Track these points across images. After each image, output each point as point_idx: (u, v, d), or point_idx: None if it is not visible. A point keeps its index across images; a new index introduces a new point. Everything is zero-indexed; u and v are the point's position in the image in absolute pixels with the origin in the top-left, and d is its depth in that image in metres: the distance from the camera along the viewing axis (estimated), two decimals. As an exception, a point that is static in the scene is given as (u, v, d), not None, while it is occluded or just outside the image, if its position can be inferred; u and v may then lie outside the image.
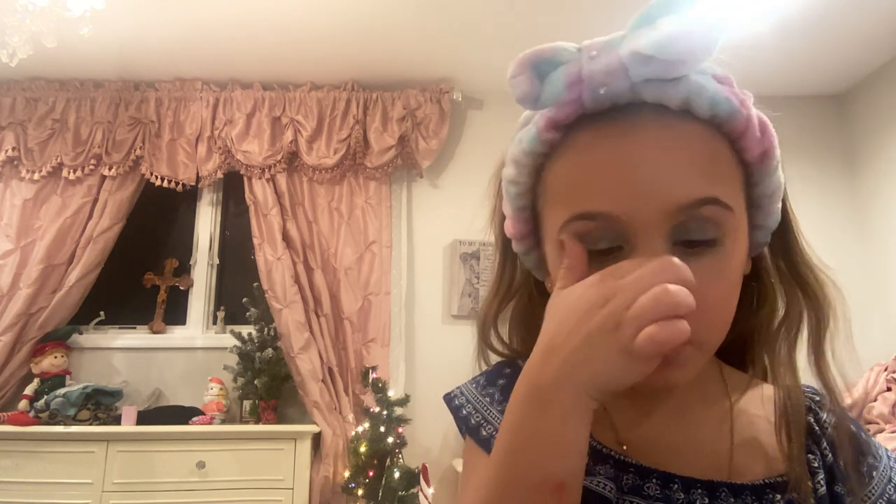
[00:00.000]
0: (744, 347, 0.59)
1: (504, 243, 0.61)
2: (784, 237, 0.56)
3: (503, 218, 0.60)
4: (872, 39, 2.91)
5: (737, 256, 0.49)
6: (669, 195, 0.46)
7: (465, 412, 0.60)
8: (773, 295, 0.56)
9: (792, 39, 2.84)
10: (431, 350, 3.06)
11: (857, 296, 3.33)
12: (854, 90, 3.35)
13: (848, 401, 2.40)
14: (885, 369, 2.66)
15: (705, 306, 0.45)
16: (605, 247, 0.47)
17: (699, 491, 0.50)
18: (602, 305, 0.42)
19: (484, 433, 0.57)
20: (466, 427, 0.59)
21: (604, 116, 0.48)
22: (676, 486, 0.51)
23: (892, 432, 2.40)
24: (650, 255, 0.45)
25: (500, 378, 0.61)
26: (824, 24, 2.76)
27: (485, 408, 0.59)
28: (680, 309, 0.40)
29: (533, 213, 0.55)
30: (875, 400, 2.58)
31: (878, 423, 2.50)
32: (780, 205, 0.54)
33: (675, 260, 0.42)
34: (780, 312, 0.56)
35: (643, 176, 0.46)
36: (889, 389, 2.58)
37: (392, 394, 2.73)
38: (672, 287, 0.40)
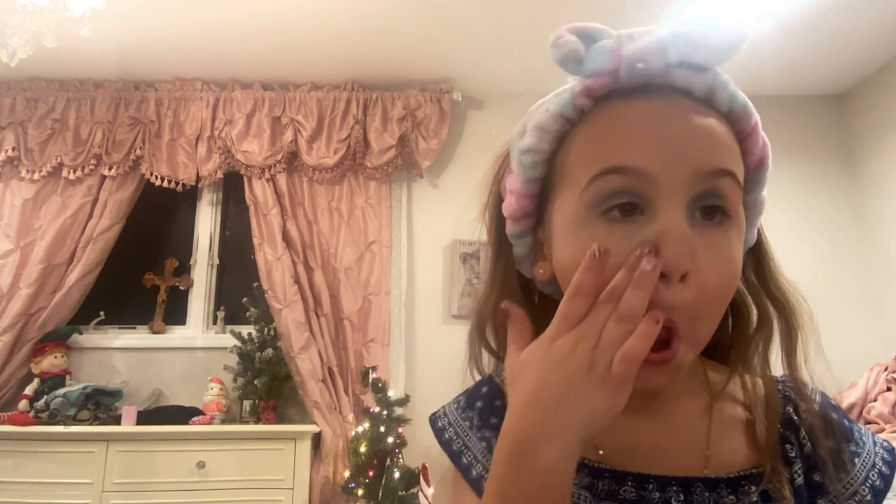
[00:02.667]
0: (723, 355, 0.61)
1: (498, 232, 0.62)
2: (757, 253, 0.59)
3: (498, 205, 0.60)
4: (872, 39, 2.91)
5: (740, 244, 0.51)
6: (699, 158, 0.48)
7: (447, 436, 0.60)
8: (747, 308, 0.59)
9: (792, 40, 2.84)
10: (431, 350, 3.06)
11: (857, 295, 3.32)
12: (854, 90, 3.35)
13: (848, 401, 2.39)
14: (885, 369, 2.66)
15: (709, 286, 0.46)
16: (626, 201, 0.48)
17: (674, 488, 0.51)
18: (570, 352, 0.44)
19: (465, 461, 0.57)
20: (449, 452, 0.59)
21: (635, 92, 0.51)
22: (652, 485, 0.51)
23: (893, 432, 2.40)
24: (673, 222, 0.46)
25: (478, 400, 0.61)
26: (824, 24, 2.76)
27: (465, 433, 0.59)
28: (637, 315, 0.43)
29: (541, 190, 0.56)
30: (875, 400, 2.58)
31: (878, 423, 2.50)
32: (759, 221, 0.57)
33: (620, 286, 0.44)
34: (754, 323, 0.58)
35: (676, 137, 0.48)
36: (889, 389, 2.58)
37: (392, 394, 2.73)
38: (622, 304, 0.43)
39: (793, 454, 0.53)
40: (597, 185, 0.49)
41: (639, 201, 0.48)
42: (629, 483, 0.52)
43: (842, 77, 3.27)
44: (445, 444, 0.60)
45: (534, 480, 0.43)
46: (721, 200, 0.48)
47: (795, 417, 0.55)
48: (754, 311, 0.58)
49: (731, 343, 0.60)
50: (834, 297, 2.92)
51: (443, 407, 0.64)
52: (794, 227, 3.08)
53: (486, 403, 0.60)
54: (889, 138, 3.10)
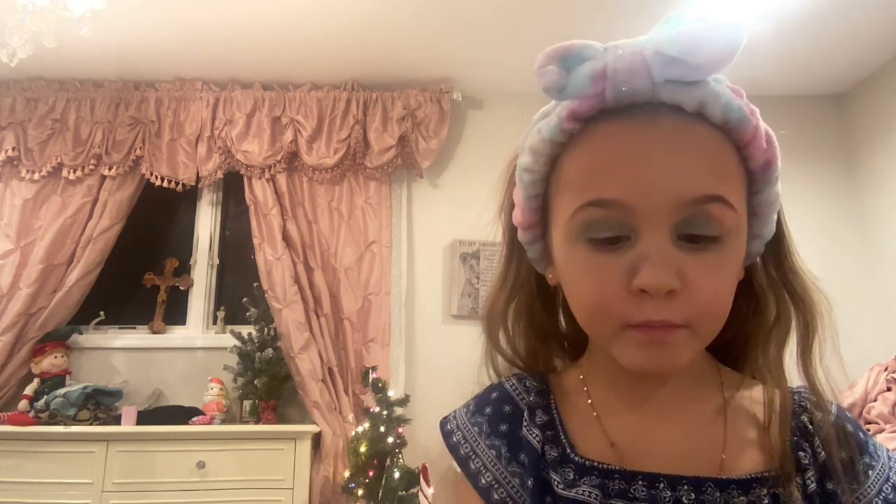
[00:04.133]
0: (739, 349, 0.61)
1: (511, 235, 0.63)
2: (777, 247, 0.58)
3: (512, 208, 0.61)
4: (872, 39, 2.91)
5: (736, 255, 0.52)
6: (680, 188, 0.48)
7: (454, 440, 0.60)
8: (766, 301, 0.58)
9: (792, 39, 2.84)
10: (431, 350, 3.06)
11: (857, 295, 3.30)
12: (854, 90, 3.35)
13: (848, 401, 2.40)
14: (885, 369, 2.66)
15: (702, 297, 0.48)
16: (611, 235, 0.49)
17: (685, 487, 0.51)
18: None
19: (473, 467, 0.57)
20: (456, 457, 0.59)
21: (623, 112, 0.51)
22: (662, 484, 0.52)
23: (893, 432, 2.40)
24: (654, 246, 0.48)
25: (487, 405, 0.61)
26: (824, 24, 2.76)
27: (473, 439, 0.59)
28: None
29: (543, 203, 0.57)
30: (875, 400, 2.58)
31: (878, 423, 2.50)
32: (775, 216, 0.57)
33: None
34: (772, 317, 0.58)
35: (657, 168, 0.48)
36: (889, 389, 2.58)
37: (392, 394, 2.73)
38: None
39: (806, 461, 0.53)
40: (582, 215, 0.50)
41: (622, 231, 0.49)
42: (640, 482, 0.52)
43: (842, 77, 3.27)
44: (453, 448, 0.60)
45: None
46: (704, 228, 0.49)
47: (810, 426, 0.55)
48: (773, 306, 0.58)
49: (746, 337, 0.60)
50: (833, 297, 2.91)
51: (454, 411, 0.64)
52: (794, 226, 3.04)
53: (495, 409, 0.60)
54: (889, 138, 3.10)
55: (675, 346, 0.49)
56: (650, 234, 0.48)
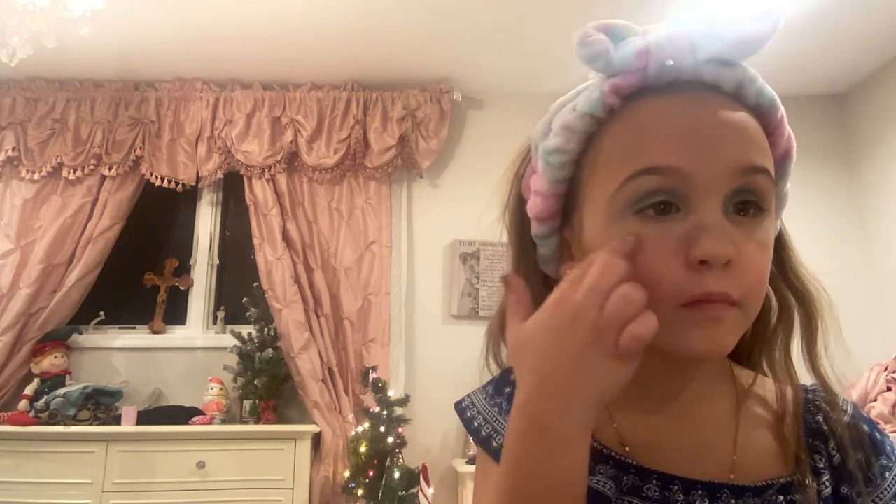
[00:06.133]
0: (746, 350, 0.60)
1: (518, 234, 0.61)
2: (778, 244, 0.58)
3: (519, 206, 0.60)
4: (872, 39, 2.92)
5: (773, 234, 0.51)
6: (734, 155, 0.48)
7: (476, 424, 0.60)
8: (768, 298, 0.58)
9: (792, 40, 2.84)
10: (431, 350, 3.06)
11: (858, 295, 3.30)
12: (854, 90, 3.35)
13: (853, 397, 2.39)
14: (885, 369, 2.66)
15: (753, 272, 0.47)
16: (664, 200, 0.48)
17: (699, 492, 0.50)
18: (573, 323, 0.44)
19: (495, 444, 0.58)
20: (478, 438, 0.59)
21: (664, 90, 0.50)
22: (676, 487, 0.51)
23: (893, 432, 2.40)
24: (710, 215, 0.47)
25: (506, 386, 0.61)
26: (824, 24, 2.76)
27: (494, 419, 0.60)
28: (640, 301, 0.43)
29: (567, 190, 0.55)
30: (875, 400, 2.58)
31: (878, 423, 2.50)
32: (782, 213, 0.57)
33: (610, 253, 0.45)
34: (775, 315, 0.58)
35: (710, 134, 0.48)
36: (889, 389, 2.58)
37: (392, 394, 2.73)
38: (627, 286, 0.43)
39: (821, 465, 0.52)
40: (632, 186, 0.48)
41: (674, 199, 0.48)
42: (654, 481, 0.51)
43: (842, 77, 3.27)
44: (475, 431, 0.60)
45: (553, 452, 0.44)
46: (755, 196, 0.48)
47: (825, 427, 0.54)
48: (775, 303, 0.57)
49: (752, 337, 0.59)
50: (833, 297, 2.91)
51: (468, 396, 0.64)
52: (794, 226, 3.05)
53: (514, 390, 0.59)
54: (889, 138, 3.10)
55: (729, 325, 0.47)
56: (705, 203, 0.47)
